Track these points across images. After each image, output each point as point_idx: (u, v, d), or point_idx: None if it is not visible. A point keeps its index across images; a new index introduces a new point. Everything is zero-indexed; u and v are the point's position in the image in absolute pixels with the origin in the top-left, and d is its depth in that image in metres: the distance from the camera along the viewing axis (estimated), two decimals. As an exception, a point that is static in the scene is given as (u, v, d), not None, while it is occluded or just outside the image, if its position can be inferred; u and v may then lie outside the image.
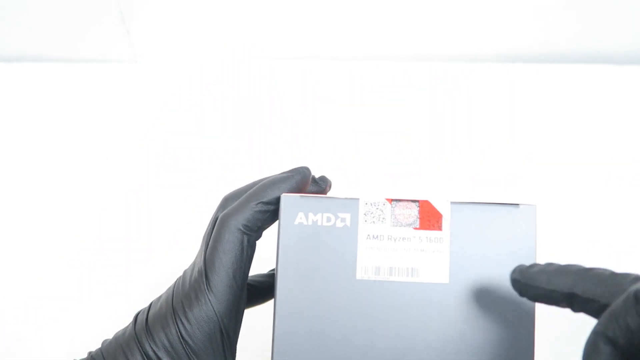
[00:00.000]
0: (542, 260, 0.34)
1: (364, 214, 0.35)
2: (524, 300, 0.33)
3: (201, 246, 0.36)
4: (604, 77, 0.68)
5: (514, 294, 0.33)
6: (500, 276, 0.34)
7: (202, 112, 0.69)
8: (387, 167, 0.64)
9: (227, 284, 0.34)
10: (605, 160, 0.63)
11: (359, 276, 0.34)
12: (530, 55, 0.70)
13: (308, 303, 0.34)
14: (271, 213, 0.35)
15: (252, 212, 0.35)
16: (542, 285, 0.31)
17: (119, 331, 0.36)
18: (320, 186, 0.39)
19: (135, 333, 0.35)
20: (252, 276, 0.40)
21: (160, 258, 0.61)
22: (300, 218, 0.35)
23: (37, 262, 0.61)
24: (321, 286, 0.34)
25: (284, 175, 0.37)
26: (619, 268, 0.56)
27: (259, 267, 0.40)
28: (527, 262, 0.33)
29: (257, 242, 0.37)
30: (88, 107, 0.70)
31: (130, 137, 0.67)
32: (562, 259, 0.56)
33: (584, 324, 0.53)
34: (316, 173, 0.42)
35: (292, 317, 0.34)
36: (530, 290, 0.32)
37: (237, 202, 0.36)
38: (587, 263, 0.57)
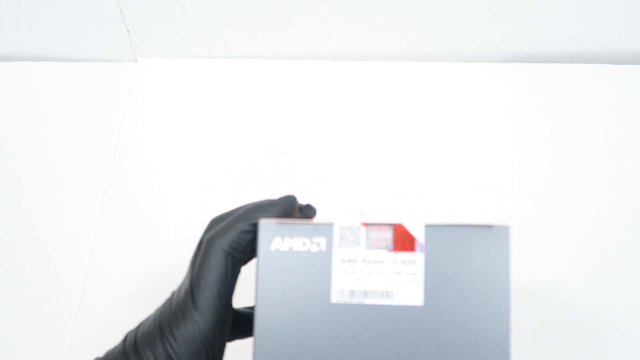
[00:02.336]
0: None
1: (339, 238, 0.35)
2: (499, 323, 0.33)
3: (188, 268, 0.37)
4: (604, 77, 0.68)
5: (489, 316, 0.33)
6: (474, 298, 0.34)
7: (201, 111, 0.69)
8: (385, 166, 0.64)
9: (212, 303, 0.35)
10: (604, 159, 0.63)
11: (334, 300, 0.34)
12: (530, 55, 0.69)
13: (286, 328, 0.34)
14: (255, 235, 0.36)
15: (238, 233, 0.36)
16: None
17: (109, 350, 0.37)
18: (305, 214, 0.40)
19: (125, 352, 0.35)
20: (245, 307, 0.41)
21: (161, 259, 0.61)
22: (277, 244, 0.35)
23: (35, 262, 0.61)
24: (298, 310, 0.34)
25: (271, 200, 0.38)
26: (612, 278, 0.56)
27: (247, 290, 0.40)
28: (501, 283, 0.33)
29: (246, 267, 0.38)
30: (88, 106, 0.70)
31: (130, 136, 0.67)
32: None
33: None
34: (309, 186, 0.42)
35: (271, 341, 0.34)
36: None
37: (223, 224, 0.37)
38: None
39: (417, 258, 0.34)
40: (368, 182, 0.63)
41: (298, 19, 0.69)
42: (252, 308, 0.39)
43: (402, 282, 0.34)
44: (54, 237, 0.62)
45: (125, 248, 0.61)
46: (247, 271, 0.40)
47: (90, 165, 0.66)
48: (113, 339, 0.55)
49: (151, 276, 0.59)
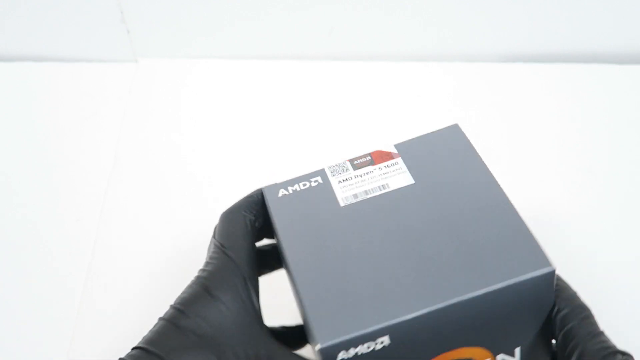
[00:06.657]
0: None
1: (331, 172, 0.43)
2: (488, 184, 0.41)
3: (208, 250, 0.42)
4: (604, 77, 0.68)
5: (477, 180, 0.40)
6: (456, 172, 0.41)
7: (202, 111, 0.69)
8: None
9: (241, 245, 0.40)
10: (604, 160, 0.63)
11: (342, 204, 0.41)
12: (530, 55, 0.70)
13: (310, 236, 0.40)
14: (263, 204, 0.43)
15: (247, 202, 0.43)
16: None
17: (145, 335, 0.39)
18: None
19: (174, 322, 0.38)
20: (264, 245, 0.45)
21: (161, 259, 0.61)
22: (282, 192, 0.42)
23: (35, 262, 0.61)
24: (315, 222, 0.40)
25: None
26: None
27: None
28: (474, 159, 0.42)
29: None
30: (88, 107, 0.70)
31: (130, 137, 0.67)
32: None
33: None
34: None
35: (304, 251, 0.39)
36: None
37: (232, 205, 0.43)
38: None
39: (397, 161, 0.42)
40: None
41: (298, 19, 0.69)
42: (269, 245, 0.45)
43: (391, 176, 0.42)
44: (55, 237, 0.62)
45: (125, 249, 0.61)
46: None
47: (91, 166, 0.66)
48: (114, 339, 0.55)
49: (152, 277, 0.59)
